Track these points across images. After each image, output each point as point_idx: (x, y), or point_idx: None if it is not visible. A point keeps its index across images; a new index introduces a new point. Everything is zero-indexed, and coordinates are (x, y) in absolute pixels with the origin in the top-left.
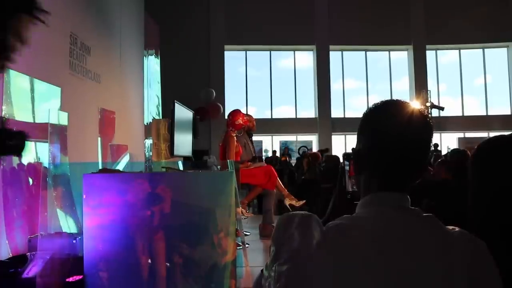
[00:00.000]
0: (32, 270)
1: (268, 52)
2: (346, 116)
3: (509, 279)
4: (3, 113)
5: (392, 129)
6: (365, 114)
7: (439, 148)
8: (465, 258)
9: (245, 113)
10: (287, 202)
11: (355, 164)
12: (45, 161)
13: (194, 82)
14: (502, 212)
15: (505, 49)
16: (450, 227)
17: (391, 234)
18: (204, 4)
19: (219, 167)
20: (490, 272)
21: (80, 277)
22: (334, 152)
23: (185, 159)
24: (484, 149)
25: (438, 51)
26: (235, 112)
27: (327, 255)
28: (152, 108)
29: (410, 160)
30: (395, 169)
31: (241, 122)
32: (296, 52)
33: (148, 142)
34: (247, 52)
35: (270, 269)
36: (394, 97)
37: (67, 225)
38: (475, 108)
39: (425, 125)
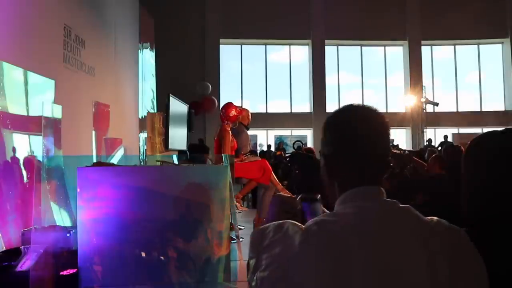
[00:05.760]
0: (25, 264)
1: (264, 46)
2: None
3: (501, 270)
4: None
5: (358, 131)
6: (330, 121)
7: (433, 144)
8: (444, 246)
9: (239, 106)
10: None
11: (327, 168)
12: (39, 154)
13: (189, 75)
14: (494, 206)
15: (500, 45)
16: (428, 217)
17: (371, 227)
18: None
19: (210, 161)
20: (471, 258)
21: (74, 270)
22: None
23: (180, 153)
24: (477, 144)
25: (433, 47)
26: (227, 105)
27: (310, 251)
28: (146, 102)
29: (377, 155)
30: (366, 165)
31: (235, 113)
32: (291, 46)
33: (143, 135)
34: (242, 46)
35: (251, 280)
36: (389, 93)
37: (61, 218)
38: (469, 104)
39: (383, 123)
